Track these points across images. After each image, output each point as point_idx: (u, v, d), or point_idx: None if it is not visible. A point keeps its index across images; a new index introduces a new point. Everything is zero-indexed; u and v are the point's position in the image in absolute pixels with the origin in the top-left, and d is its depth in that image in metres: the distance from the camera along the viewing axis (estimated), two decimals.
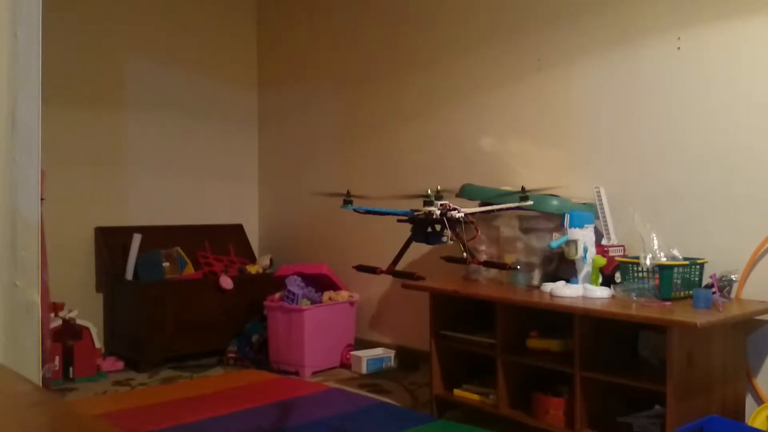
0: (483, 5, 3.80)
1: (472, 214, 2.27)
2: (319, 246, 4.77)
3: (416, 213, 2.21)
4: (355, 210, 2.37)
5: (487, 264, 2.63)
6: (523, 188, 2.38)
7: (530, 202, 2.38)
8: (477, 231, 2.37)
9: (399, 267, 2.33)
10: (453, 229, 2.15)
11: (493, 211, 2.54)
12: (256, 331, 4.38)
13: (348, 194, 2.34)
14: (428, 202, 2.16)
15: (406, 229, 2.29)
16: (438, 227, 2.16)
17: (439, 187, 2.25)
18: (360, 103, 4.52)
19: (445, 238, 2.18)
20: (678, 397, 2.37)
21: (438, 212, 2.14)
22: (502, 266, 2.81)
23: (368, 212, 2.43)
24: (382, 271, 2.33)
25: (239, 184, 5.22)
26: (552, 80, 3.47)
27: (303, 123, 4.95)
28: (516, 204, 2.40)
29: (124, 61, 4.63)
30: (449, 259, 2.48)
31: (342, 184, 4.63)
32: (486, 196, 3.35)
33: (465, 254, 2.26)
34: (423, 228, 2.22)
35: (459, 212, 2.16)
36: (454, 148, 3.91)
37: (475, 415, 3.12)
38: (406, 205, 2.33)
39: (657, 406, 2.57)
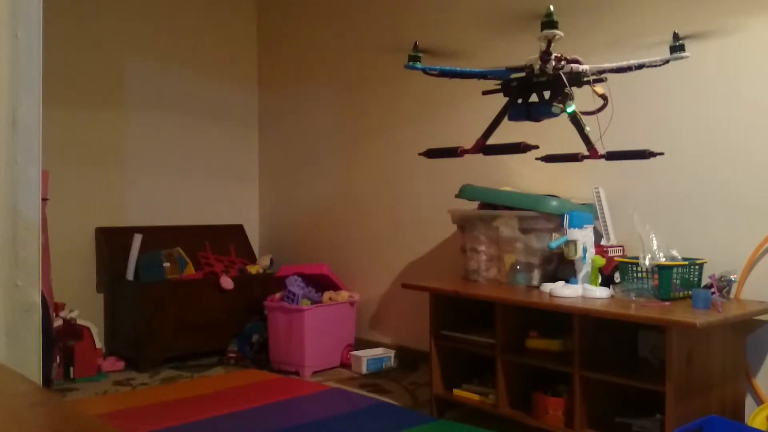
0: (483, 6, 3.80)
1: (602, 71, 1.58)
2: (319, 246, 4.77)
3: (515, 74, 1.49)
4: (424, 71, 1.72)
5: (614, 156, 1.90)
6: (676, 34, 1.65)
7: (687, 54, 1.65)
8: (606, 100, 1.65)
9: None
10: (569, 96, 1.47)
11: (631, 68, 1.76)
12: (256, 331, 4.38)
13: (416, 47, 1.68)
14: (549, 23, 1.43)
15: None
16: (547, 93, 1.46)
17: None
18: (360, 104, 4.52)
19: (556, 110, 1.50)
20: (677, 397, 2.37)
21: (552, 65, 1.45)
22: (640, 154, 2.10)
23: (443, 74, 1.74)
24: (465, 151, 1.69)
25: (239, 184, 5.22)
26: None
27: (303, 123, 4.96)
28: (665, 58, 1.72)
29: (124, 61, 4.64)
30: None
31: (342, 184, 4.66)
32: (486, 197, 3.36)
33: (583, 135, 1.52)
34: (525, 93, 1.51)
35: (583, 65, 1.49)
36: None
37: (475, 415, 3.13)
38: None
39: (658, 415, 2.57)
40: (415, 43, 1.66)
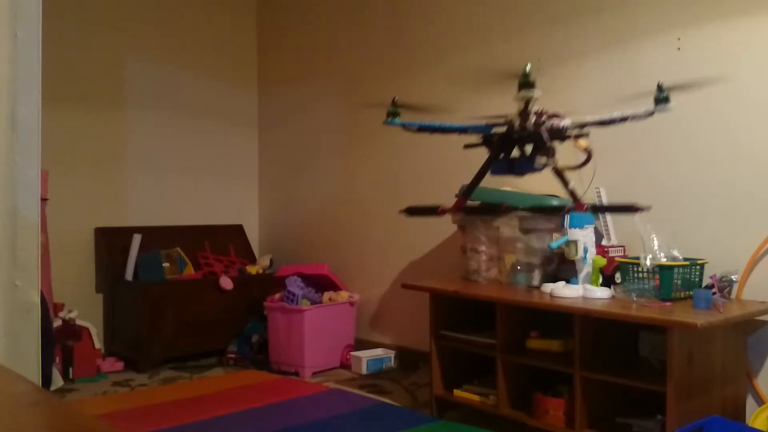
0: (483, 6, 3.80)
1: (584, 125, 1.56)
2: (319, 246, 4.77)
3: (495, 128, 1.51)
4: (404, 126, 1.72)
5: (600, 209, 1.85)
6: (660, 86, 1.60)
7: (671, 106, 1.62)
8: (589, 154, 1.64)
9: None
10: (551, 151, 1.47)
11: (614, 121, 1.71)
12: (256, 331, 4.38)
13: (395, 103, 1.68)
14: (525, 84, 1.43)
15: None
16: (529, 147, 1.47)
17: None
18: (360, 103, 4.51)
19: (539, 165, 1.51)
20: (678, 398, 2.37)
21: (532, 121, 1.46)
22: (627, 209, 2.11)
23: (422, 129, 1.75)
24: (445, 211, 1.69)
25: (239, 184, 5.22)
26: (552, 81, 3.47)
27: (303, 123, 4.95)
28: (650, 110, 1.67)
29: (124, 61, 4.63)
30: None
31: (342, 184, 4.65)
32: (486, 197, 3.35)
33: (568, 190, 1.54)
34: (506, 148, 1.52)
35: (564, 120, 1.49)
36: (454, 149, 3.89)
37: (475, 415, 3.12)
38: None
39: (658, 416, 2.56)
40: (394, 98, 1.65)
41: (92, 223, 4.47)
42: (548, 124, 1.47)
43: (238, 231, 5.09)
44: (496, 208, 1.64)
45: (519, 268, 3.16)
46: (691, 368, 2.43)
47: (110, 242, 4.42)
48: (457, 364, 3.24)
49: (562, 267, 3.08)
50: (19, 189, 1.79)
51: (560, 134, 1.50)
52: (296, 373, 4.03)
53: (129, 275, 4.32)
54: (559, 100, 3.42)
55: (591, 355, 2.67)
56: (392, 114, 1.70)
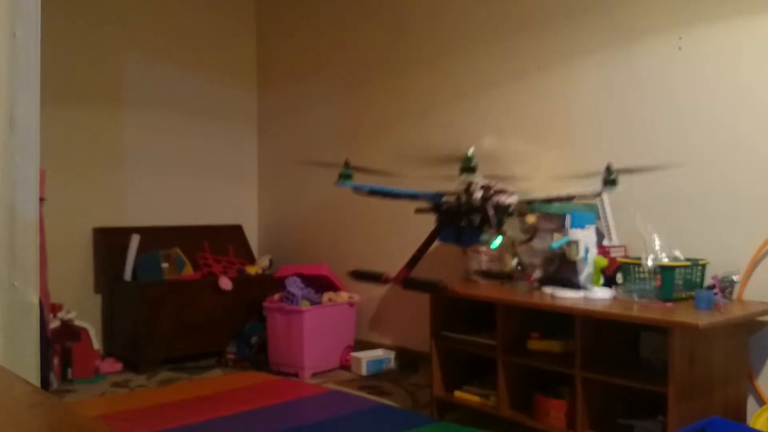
0: (484, 5, 3.79)
1: (531, 201, 1.61)
2: (318, 246, 4.76)
3: (444, 198, 1.53)
4: (355, 189, 1.68)
5: (548, 282, 1.91)
6: (608, 167, 1.58)
7: (617, 188, 1.69)
8: (536, 229, 1.68)
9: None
10: (498, 223, 1.49)
11: (561, 199, 1.77)
12: (255, 332, 4.37)
13: (347, 165, 1.64)
14: (467, 169, 1.47)
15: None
16: (476, 219, 1.50)
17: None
18: (360, 104, 4.51)
19: (485, 237, 1.54)
20: (679, 399, 2.36)
21: (479, 196, 1.49)
22: (573, 285, 2.11)
23: (372, 193, 1.73)
24: (388, 280, 1.66)
25: (239, 184, 5.21)
26: (553, 80, 3.46)
27: (303, 123, 4.94)
28: (597, 191, 1.71)
29: (123, 61, 4.62)
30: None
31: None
32: None
33: (514, 263, 1.60)
34: (454, 220, 1.56)
35: (511, 197, 1.52)
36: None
37: (476, 416, 3.11)
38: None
39: (660, 417, 2.55)
40: (346, 160, 1.58)
41: (90, 223, 4.46)
42: (494, 200, 1.48)
43: (237, 231, 5.08)
44: (433, 286, 1.65)
45: (520, 268, 3.15)
46: (693, 369, 2.43)
47: (109, 242, 4.41)
48: (457, 365, 3.24)
49: (563, 267, 3.07)
50: (18, 189, 1.78)
51: (506, 210, 1.51)
52: (295, 375, 4.02)
53: (128, 276, 4.31)
54: (560, 99, 3.43)
55: (592, 356, 2.66)
56: (344, 176, 1.65)
